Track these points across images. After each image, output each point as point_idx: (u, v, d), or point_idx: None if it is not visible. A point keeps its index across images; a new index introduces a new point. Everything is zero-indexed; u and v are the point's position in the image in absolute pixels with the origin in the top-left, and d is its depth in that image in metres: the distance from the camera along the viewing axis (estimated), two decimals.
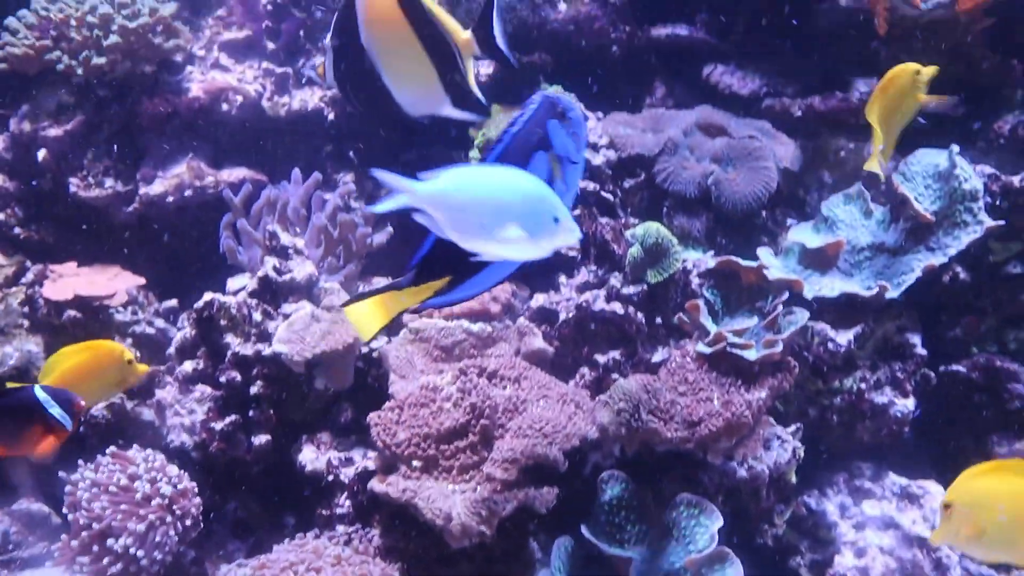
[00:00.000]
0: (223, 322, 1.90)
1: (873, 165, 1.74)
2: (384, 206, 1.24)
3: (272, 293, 1.98)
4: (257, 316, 1.91)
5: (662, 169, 2.14)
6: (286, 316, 1.92)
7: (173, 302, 2.20)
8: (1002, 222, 1.93)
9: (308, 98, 2.41)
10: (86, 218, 2.23)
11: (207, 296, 1.93)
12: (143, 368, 1.73)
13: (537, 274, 2.13)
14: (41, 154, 2.14)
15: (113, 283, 2.17)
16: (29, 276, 2.13)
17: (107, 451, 1.72)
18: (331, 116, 2.42)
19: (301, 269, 2.00)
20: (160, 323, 2.15)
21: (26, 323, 2.11)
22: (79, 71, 2.10)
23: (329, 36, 1.52)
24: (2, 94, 2.20)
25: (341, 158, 2.46)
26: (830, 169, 2.35)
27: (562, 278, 2.09)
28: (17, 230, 2.20)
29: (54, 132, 2.14)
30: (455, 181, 1.22)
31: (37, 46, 2.08)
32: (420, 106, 1.51)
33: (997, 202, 2.00)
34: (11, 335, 2.10)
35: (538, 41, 2.43)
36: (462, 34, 1.42)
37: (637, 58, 2.48)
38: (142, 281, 2.18)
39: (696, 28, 2.45)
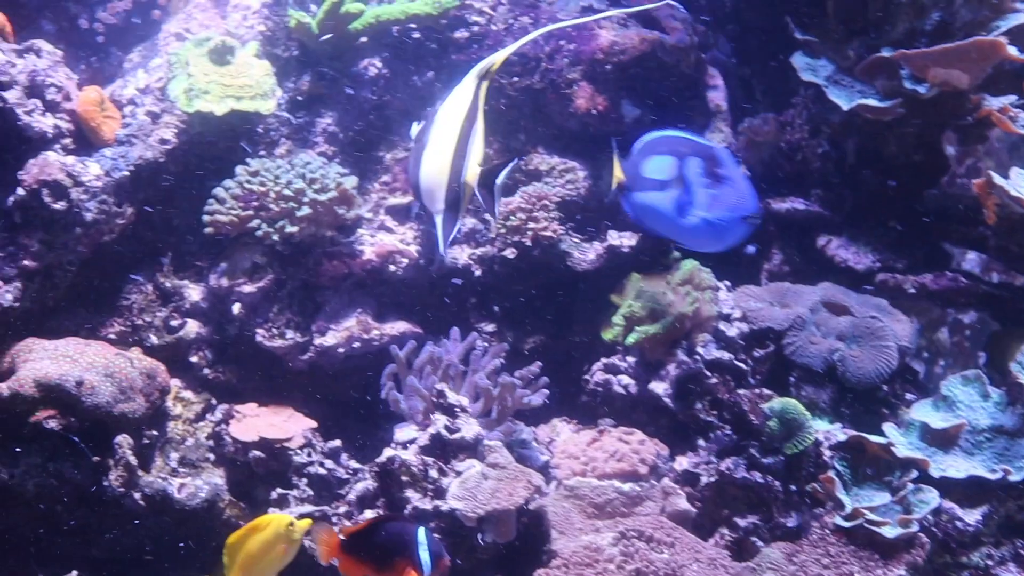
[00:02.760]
0: (403, 478, 2.12)
1: None
2: None
3: (442, 449, 2.20)
4: (433, 473, 2.13)
5: (791, 343, 2.36)
6: (458, 473, 2.14)
7: (337, 442, 2.43)
8: None
9: (459, 255, 2.67)
10: (265, 363, 2.48)
11: (388, 452, 2.15)
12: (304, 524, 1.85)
13: (676, 437, 2.34)
14: (236, 308, 2.41)
15: (288, 425, 2.41)
16: (218, 414, 2.38)
17: None
18: (478, 272, 2.67)
19: (469, 428, 2.22)
20: (329, 463, 2.37)
21: (212, 457, 2.35)
22: (274, 237, 2.37)
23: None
24: (204, 250, 2.49)
25: (484, 310, 2.71)
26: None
27: (700, 441, 2.29)
28: (206, 371, 2.46)
29: (248, 288, 2.40)
30: None
31: (242, 216, 2.36)
32: (424, 188, 1.80)
33: None
34: (200, 468, 2.34)
35: None
36: (474, 166, 1.76)
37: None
38: (314, 424, 2.41)
39: (811, 202, 2.69)
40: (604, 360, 2.51)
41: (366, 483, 2.17)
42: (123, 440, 2.17)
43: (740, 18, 3.04)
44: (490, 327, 2.70)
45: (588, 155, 2.67)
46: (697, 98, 2.74)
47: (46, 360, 2.18)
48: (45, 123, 2.32)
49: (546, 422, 2.55)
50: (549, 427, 2.53)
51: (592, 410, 2.54)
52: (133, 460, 2.17)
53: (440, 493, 2.12)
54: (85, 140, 2.41)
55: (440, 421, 2.23)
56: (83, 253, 2.35)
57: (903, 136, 2.58)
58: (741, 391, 2.28)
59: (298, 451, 2.34)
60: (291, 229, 2.37)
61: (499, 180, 1.87)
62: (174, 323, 2.47)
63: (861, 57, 2.58)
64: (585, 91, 2.56)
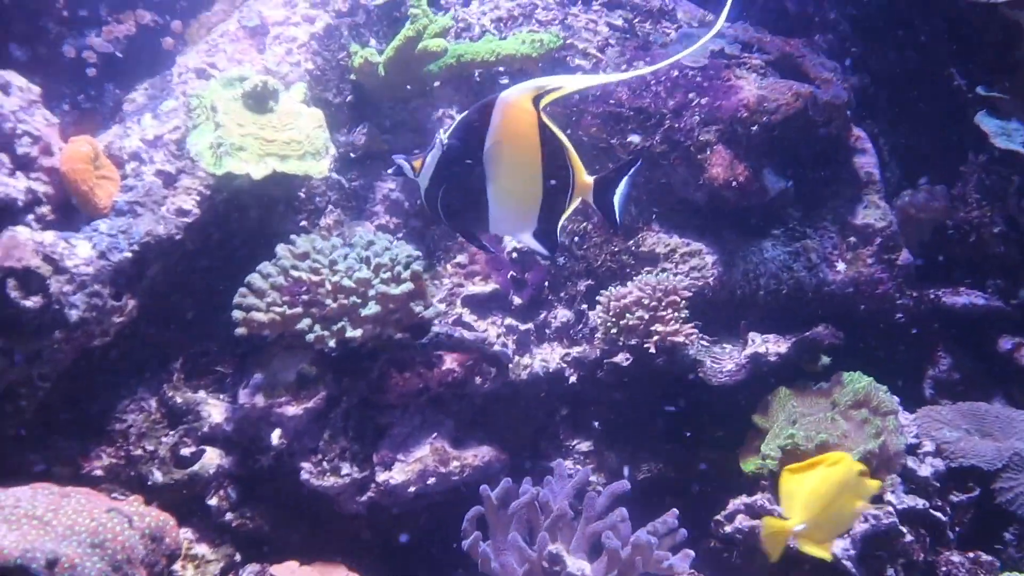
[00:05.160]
0: None
1: None
2: None
3: None
4: None
5: (1008, 488, 1.83)
6: None
7: None
8: None
9: (549, 357, 2.10)
10: (310, 506, 1.87)
11: None
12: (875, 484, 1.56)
13: None
14: (275, 436, 1.80)
15: None
16: None
17: None
18: (572, 378, 2.11)
19: None
20: None
21: None
22: (331, 343, 1.77)
23: (446, 132, 1.41)
24: (227, 352, 1.88)
25: (578, 424, 2.14)
26: None
27: None
28: (228, 516, 1.84)
29: (292, 410, 1.80)
30: None
31: (287, 315, 1.77)
32: (505, 225, 1.50)
33: None
34: None
35: (812, 303, 2.14)
36: (584, 177, 1.44)
37: (919, 323, 2.20)
38: None
39: (990, 295, 2.18)
40: (745, 499, 1.95)
41: None
42: None
43: (868, 66, 2.55)
44: (584, 445, 2.14)
45: (716, 234, 2.13)
46: (843, 164, 2.21)
47: (2, 525, 1.54)
48: (14, 186, 1.73)
49: None
50: None
51: (724, 560, 1.97)
52: None
53: None
54: (71, 209, 1.81)
55: None
56: (63, 362, 1.73)
57: None
58: (955, 558, 1.73)
59: None
60: (353, 333, 1.78)
61: (619, 191, 1.45)
62: (186, 452, 1.85)
63: None
64: (722, 157, 2.01)
